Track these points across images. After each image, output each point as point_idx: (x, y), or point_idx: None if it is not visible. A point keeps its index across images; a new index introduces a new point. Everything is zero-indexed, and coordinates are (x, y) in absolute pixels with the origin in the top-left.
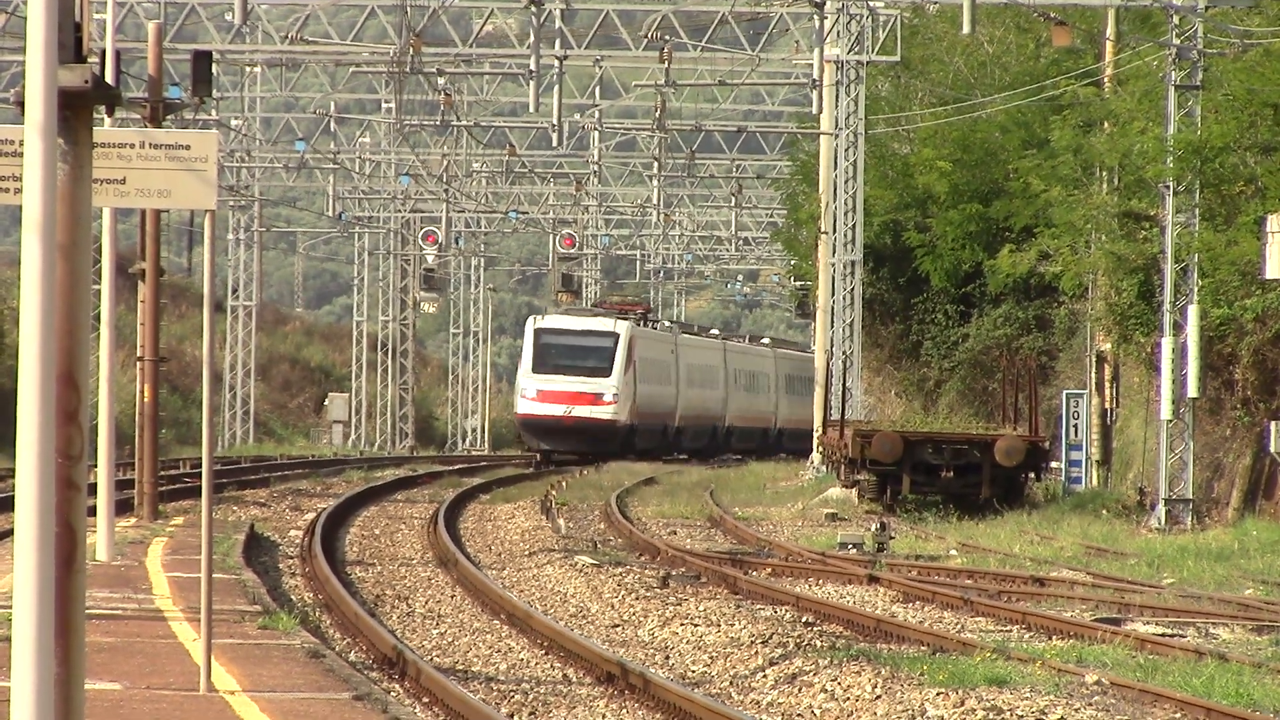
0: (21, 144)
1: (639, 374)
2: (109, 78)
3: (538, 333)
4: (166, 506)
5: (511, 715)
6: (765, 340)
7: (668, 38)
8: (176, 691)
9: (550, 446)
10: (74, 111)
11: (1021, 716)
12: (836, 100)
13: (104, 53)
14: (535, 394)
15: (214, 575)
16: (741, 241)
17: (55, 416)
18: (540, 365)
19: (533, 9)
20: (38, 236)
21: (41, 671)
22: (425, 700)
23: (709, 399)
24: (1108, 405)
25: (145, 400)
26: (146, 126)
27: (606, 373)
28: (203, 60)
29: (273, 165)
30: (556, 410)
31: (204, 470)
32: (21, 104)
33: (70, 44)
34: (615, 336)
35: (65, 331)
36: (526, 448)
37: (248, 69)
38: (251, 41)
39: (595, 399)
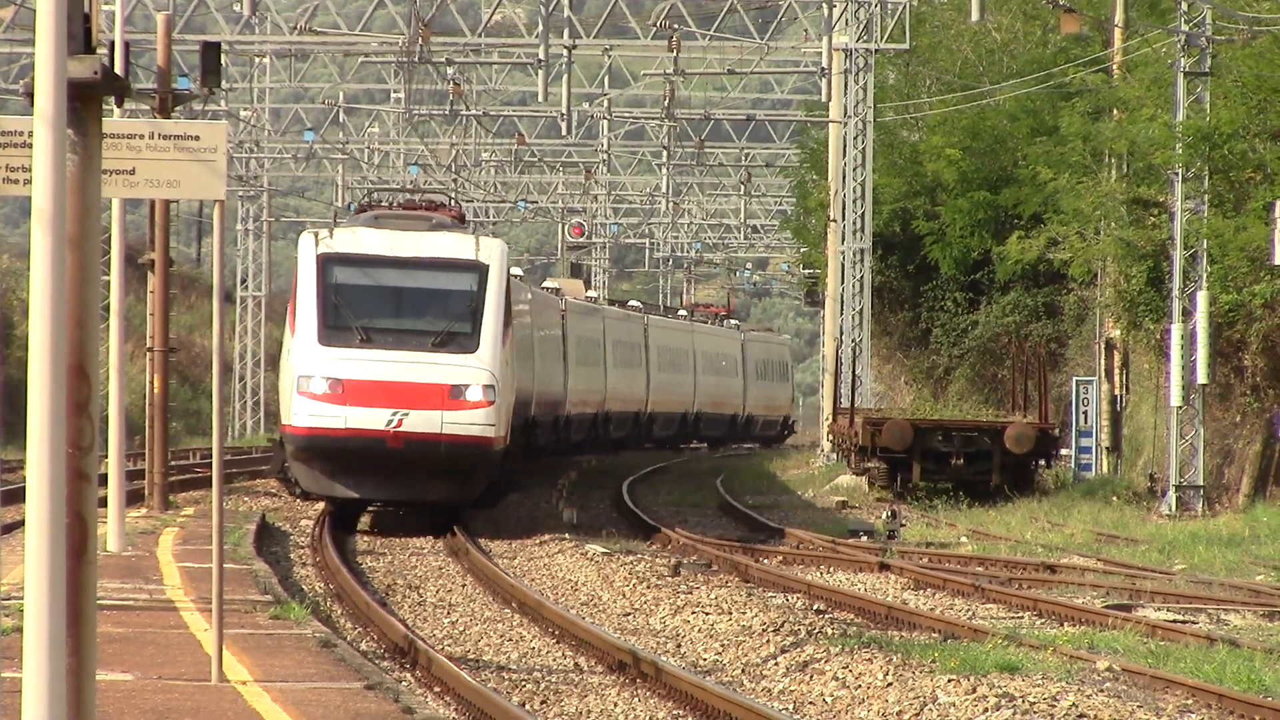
0: (31, 135)
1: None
2: (118, 69)
3: (325, 264)
4: (177, 497)
5: (523, 704)
6: (634, 303)
7: (676, 26)
8: (188, 682)
9: (354, 491)
10: (83, 103)
11: (1033, 703)
12: (845, 88)
13: (113, 44)
14: (326, 388)
15: (225, 565)
16: (750, 230)
17: (66, 407)
18: (334, 329)
19: None
20: (47, 227)
21: (53, 662)
22: (437, 689)
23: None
24: (1117, 392)
25: (155, 391)
26: (155, 117)
27: (470, 342)
28: (211, 51)
29: (282, 155)
30: (370, 421)
31: (215, 460)
32: (31, 95)
33: (79, 35)
34: (481, 271)
35: (75, 323)
36: (296, 488)
37: (256, 59)
38: (260, 32)
39: (450, 397)
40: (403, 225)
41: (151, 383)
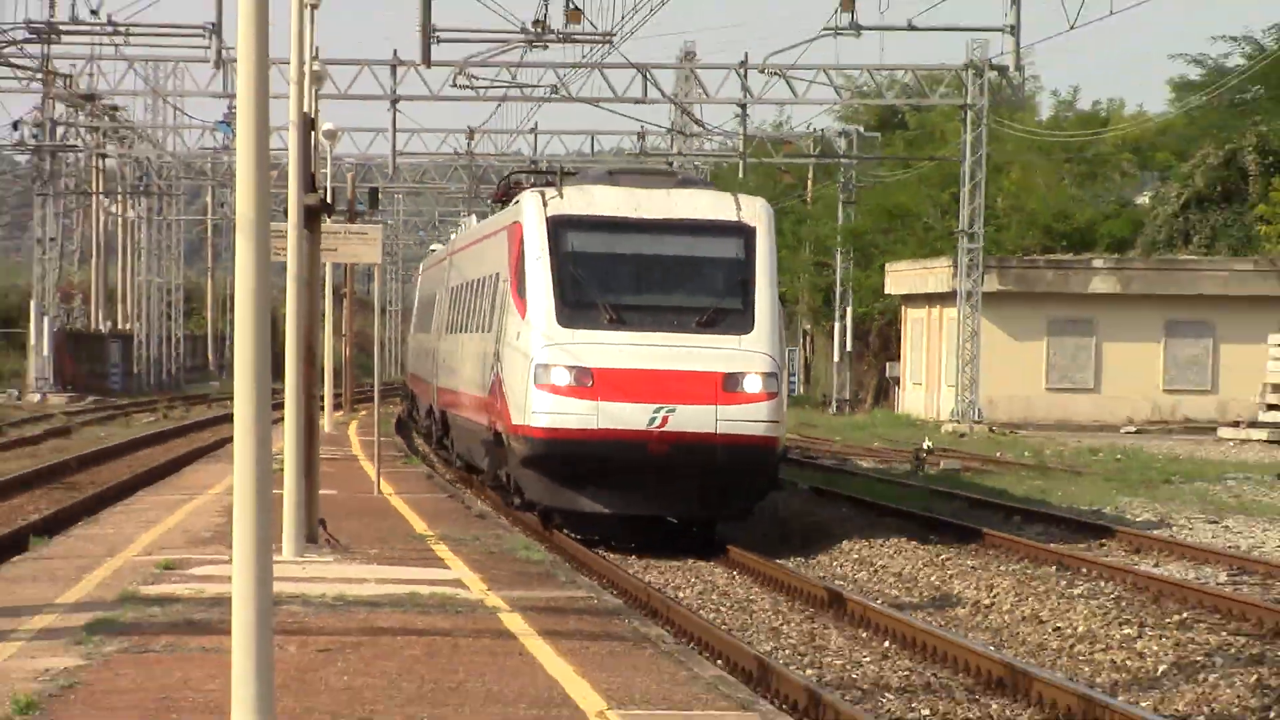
0: (286, 232)
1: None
2: (328, 199)
3: (559, 228)
4: (359, 407)
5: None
6: None
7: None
8: (363, 494)
9: (603, 506)
10: (311, 216)
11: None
12: None
13: (326, 188)
14: (571, 380)
15: (380, 438)
16: None
17: (304, 366)
18: (576, 307)
19: None
20: (293, 277)
21: (299, 485)
22: (483, 499)
23: None
24: (807, 355)
25: (346, 357)
26: (346, 222)
27: (743, 321)
28: (373, 193)
29: (409, 244)
30: (629, 419)
31: (375, 390)
32: (285, 212)
33: (309, 183)
34: (747, 234)
35: (307, 326)
36: (515, 497)
37: (396, 195)
38: (397, 180)
39: (724, 389)
40: (644, 182)
41: (345, 353)
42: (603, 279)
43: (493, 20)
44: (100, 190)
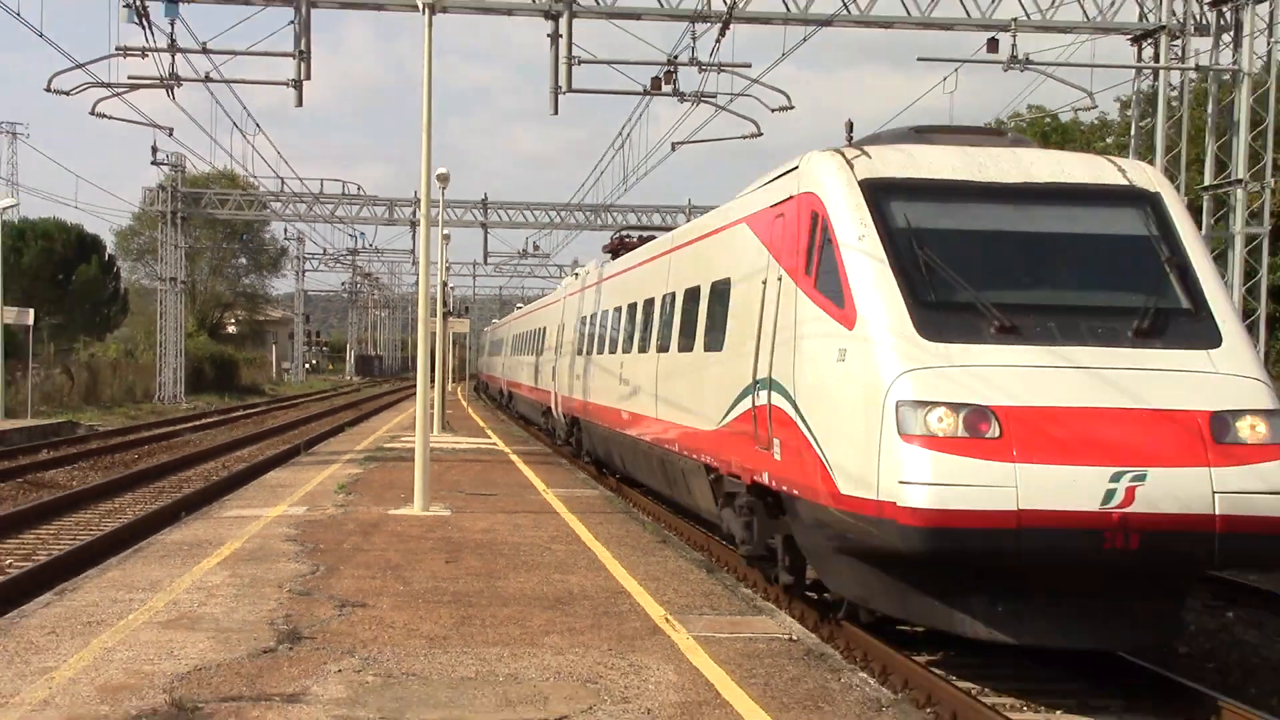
0: (436, 321)
1: None
2: (450, 309)
3: (881, 198)
4: (460, 383)
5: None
6: None
7: None
8: (462, 413)
9: (1009, 634)
10: (444, 316)
11: None
12: None
13: (449, 305)
14: (961, 428)
15: (469, 394)
16: None
17: (442, 367)
18: (940, 311)
19: None
20: (439, 339)
21: (441, 408)
22: (509, 417)
23: None
24: None
25: (454, 364)
26: (456, 317)
27: (1202, 327)
28: (466, 307)
29: (476, 325)
30: (1072, 494)
31: (464, 380)
32: (435, 313)
33: (445, 303)
34: (1153, 203)
35: (444, 360)
36: (797, 576)
37: (474, 308)
38: (474, 303)
39: (1217, 436)
40: (974, 140)
41: (454, 362)
42: (970, 269)
43: (506, 248)
44: (372, 305)
